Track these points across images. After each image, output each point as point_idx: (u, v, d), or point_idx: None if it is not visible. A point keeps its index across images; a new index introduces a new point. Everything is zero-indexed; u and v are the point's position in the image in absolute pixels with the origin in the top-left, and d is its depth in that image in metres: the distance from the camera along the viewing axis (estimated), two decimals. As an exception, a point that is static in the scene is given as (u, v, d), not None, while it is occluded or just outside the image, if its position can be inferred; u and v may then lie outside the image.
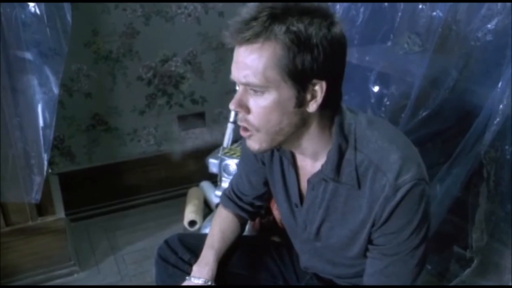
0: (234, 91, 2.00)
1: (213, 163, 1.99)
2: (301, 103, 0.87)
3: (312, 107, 0.88)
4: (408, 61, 1.66)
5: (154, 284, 1.21)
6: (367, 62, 1.73)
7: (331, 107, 0.93)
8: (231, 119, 2.06)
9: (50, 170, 1.75)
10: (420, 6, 1.49)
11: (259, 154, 1.11)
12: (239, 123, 0.92)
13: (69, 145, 2.00)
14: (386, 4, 1.64)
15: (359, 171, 0.93)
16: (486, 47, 1.37)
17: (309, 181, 1.01)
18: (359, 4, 1.64)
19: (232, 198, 1.25)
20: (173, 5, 1.95)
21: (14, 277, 1.67)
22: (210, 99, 2.21)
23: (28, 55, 1.37)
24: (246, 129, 0.92)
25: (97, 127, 2.02)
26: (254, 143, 0.93)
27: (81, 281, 1.74)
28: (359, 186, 0.93)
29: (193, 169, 2.24)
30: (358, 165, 0.93)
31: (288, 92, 0.86)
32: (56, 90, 1.41)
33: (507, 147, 1.33)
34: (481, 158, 1.35)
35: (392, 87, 1.69)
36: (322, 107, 0.89)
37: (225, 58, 2.15)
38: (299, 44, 0.82)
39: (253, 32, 0.82)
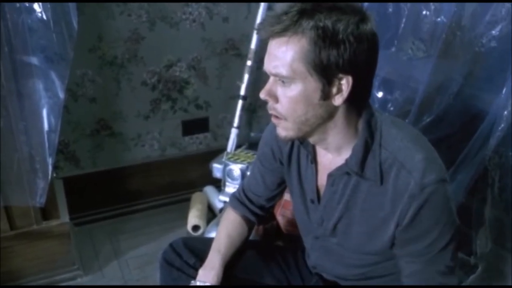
0: (238, 96, 2.03)
1: (217, 168, 1.99)
2: (326, 96, 0.91)
3: (338, 100, 0.91)
4: (412, 67, 1.66)
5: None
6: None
7: (358, 103, 0.96)
8: (235, 124, 2.06)
9: (54, 175, 1.76)
10: (424, 12, 1.49)
11: (277, 154, 1.16)
12: (269, 111, 0.97)
13: (74, 150, 2.01)
14: (390, 10, 1.65)
15: (383, 167, 0.95)
16: (490, 53, 1.38)
17: (330, 175, 1.03)
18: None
19: (242, 200, 1.26)
20: (178, 11, 1.96)
21: (17, 281, 1.68)
22: (214, 104, 2.21)
23: (34, 60, 1.38)
24: (276, 117, 0.97)
25: (101, 132, 2.03)
26: (282, 130, 0.98)
27: (84, 285, 1.74)
28: (382, 182, 0.96)
29: (197, 174, 2.24)
30: (383, 162, 0.95)
31: (314, 84, 0.90)
32: (61, 94, 1.41)
33: (511, 153, 1.33)
34: (486, 164, 1.35)
35: (396, 92, 1.68)
36: (349, 101, 0.92)
37: (229, 64, 2.16)
38: (325, 39, 0.86)
39: (283, 26, 0.87)
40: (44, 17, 1.32)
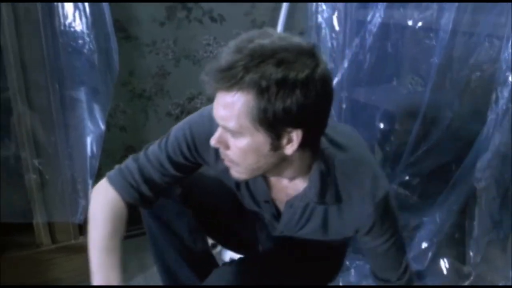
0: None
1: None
2: (276, 147, 0.89)
3: (289, 150, 0.90)
4: (411, 100, 1.83)
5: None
6: (373, 101, 1.92)
7: (313, 146, 0.96)
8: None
9: (89, 196, 1.94)
10: (419, 52, 1.65)
11: (194, 157, 1.11)
12: (221, 156, 0.97)
13: (105, 174, 2.18)
14: (389, 49, 1.83)
15: (339, 189, 1.01)
16: (476, 90, 1.55)
17: (288, 202, 1.08)
18: (366, 49, 1.83)
19: (136, 184, 1.12)
20: (200, 50, 2.14)
21: (54, 291, 1.83)
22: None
23: (81, 95, 1.58)
24: (228, 160, 0.96)
25: (129, 158, 2.21)
26: (235, 173, 0.98)
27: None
28: (340, 202, 1.04)
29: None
30: (338, 184, 1.01)
31: (262, 138, 0.88)
32: (102, 125, 1.60)
33: (495, 178, 1.48)
34: (473, 187, 1.50)
35: (396, 124, 1.86)
36: (302, 147, 0.90)
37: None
38: (270, 96, 0.82)
39: (227, 84, 0.83)
40: (91, 59, 1.53)
